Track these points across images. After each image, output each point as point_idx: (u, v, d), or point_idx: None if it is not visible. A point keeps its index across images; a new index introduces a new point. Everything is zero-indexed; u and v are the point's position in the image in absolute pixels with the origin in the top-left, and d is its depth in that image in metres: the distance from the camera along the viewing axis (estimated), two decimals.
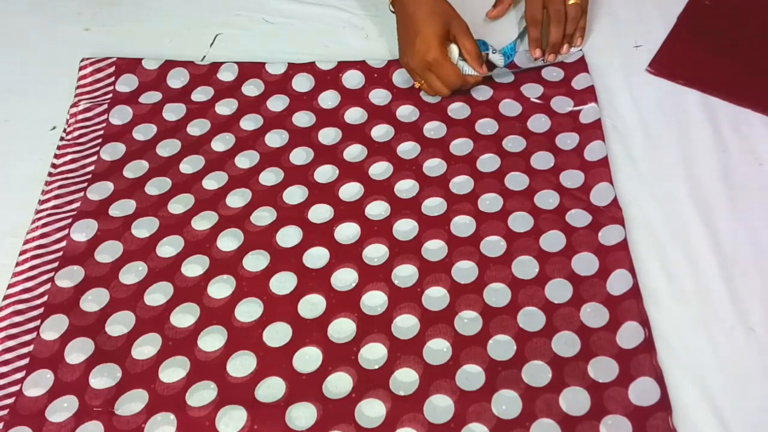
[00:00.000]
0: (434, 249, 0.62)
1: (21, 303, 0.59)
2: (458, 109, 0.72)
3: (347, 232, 0.63)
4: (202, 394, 0.54)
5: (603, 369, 0.55)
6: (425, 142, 0.70)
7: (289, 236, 0.63)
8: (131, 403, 0.54)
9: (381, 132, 0.71)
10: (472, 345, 0.56)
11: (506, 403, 0.53)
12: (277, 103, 0.73)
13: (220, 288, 0.60)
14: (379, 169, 0.68)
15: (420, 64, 0.69)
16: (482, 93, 0.73)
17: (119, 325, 0.58)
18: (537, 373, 0.55)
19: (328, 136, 0.71)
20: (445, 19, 0.69)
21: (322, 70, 0.75)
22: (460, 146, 0.69)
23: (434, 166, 0.68)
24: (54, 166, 0.68)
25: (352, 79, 0.75)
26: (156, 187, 0.67)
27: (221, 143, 0.70)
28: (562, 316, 0.58)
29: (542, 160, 0.68)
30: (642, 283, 0.59)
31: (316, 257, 0.62)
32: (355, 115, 0.72)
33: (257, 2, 0.83)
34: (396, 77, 0.74)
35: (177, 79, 0.75)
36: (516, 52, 0.75)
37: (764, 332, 0.57)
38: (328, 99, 0.73)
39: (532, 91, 0.73)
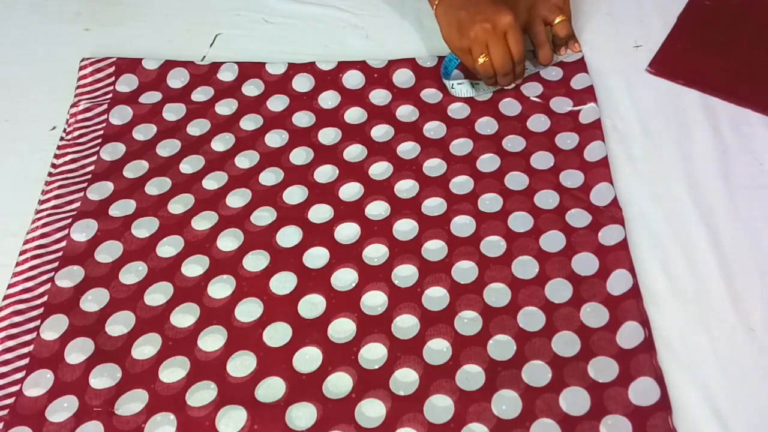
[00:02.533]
0: (434, 249, 0.62)
1: (21, 303, 0.59)
2: (458, 109, 0.72)
3: (347, 232, 0.63)
4: (202, 394, 0.54)
5: (603, 369, 0.55)
6: (425, 142, 0.70)
7: (289, 236, 0.63)
8: (131, 403, 0.54)
9: (381, 132, 0.71)
10: (472, 345, 0.56)
11: (506, 403, 0.53)
12: (277, 103, 0.73)
13: (220, 288, 0.60)
14: (379, 169, 0.68)
15: (500, 25, 0.66)
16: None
17: (119, 325, 0.58)
18: (537, 373, 0.55)
19: (328, 136, 0.71)
20: None
21: (322, 70, 0.75)
22: (460, 146, 0.69)
23: (434, 166, 0.68)
24: (54, 166, 0.68)
25: (352, 80, 0.75)
26: (156, 187, 0.67)
27: (221, 143, 0.70)
28: (562, 316, 0.58)
29: (542, 160, 0.68)
30: (642, 283, 0.59)
31: (316, 257, 0.62)
32: (355, 115, 0.72)
33: (257, 2, 0.83)
34: (396, 77, 0.74)
35: (177, 79, 0.75)
36: None
37: (764, 332, 0.56)
38: (328, 99, 0.73)
39: (532, 89, 0.73)
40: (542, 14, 0.72)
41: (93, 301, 0.59)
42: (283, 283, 0.60)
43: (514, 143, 0.69)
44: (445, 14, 0.70)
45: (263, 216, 0.65)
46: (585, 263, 0.60)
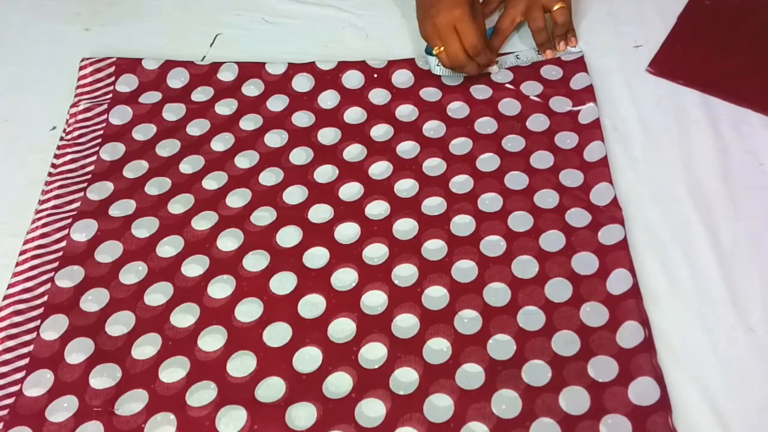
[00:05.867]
0: (434, 249, 0.62)
1: (21, 303, 0.59)
2: (458, 109, 0.72)
3: (347, 232, 0.63)
4: (202, 394, 0.54)
5: (603, 368, 0.55)
6: (425, 142, 0.70)
7: (289, 236, 0.63)
8: (131, 403, 0.54)
9: (381, 132, 0.71)
10: (472, 344, 0.56)
11: (506, 403, 0.53)
12: (277, 103, 0.73)
13: (220, 288, 0.60)
14: (379, 169, 0.68)
15: (446, 20, 0.68)
16: (482, 92, 0.73)
17: (119, 325, 0.58)
18: (537, 373, 0.55)
19: (328, 136, 0.71)
20: None
21: (322, 70, 0.75)
22: (460, 146, 0.69)
23: (434, 166, 0.68)
24: (54, 166, 0.68)
25: (352, 80, 0.75)
26: (156, 187, 0.67)
27: (221, 143, 0.70)
28: (562, 315, 0.58)
29: (542, 160, 0.68)
30: (642, 283, 0.59)
31: (316, 257, 0.62)
32: (354, 115, 0.72)
33: (257, 2, 0.83)
34: (396, 77, 0.74)
35: (177, 79, 0.75)
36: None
37: (764, 332, 0.56)
38: (328, 99, 0.74)
39: (532, 88, 0.73)
40: (542, 1, 0.74)
41: (93, 301, 0.59)
42: (283, 283, 0.60)
43: (513, 143, 0.69)
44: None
45: (263, 216, 0.65)
46: (585, 263, 0.60)
